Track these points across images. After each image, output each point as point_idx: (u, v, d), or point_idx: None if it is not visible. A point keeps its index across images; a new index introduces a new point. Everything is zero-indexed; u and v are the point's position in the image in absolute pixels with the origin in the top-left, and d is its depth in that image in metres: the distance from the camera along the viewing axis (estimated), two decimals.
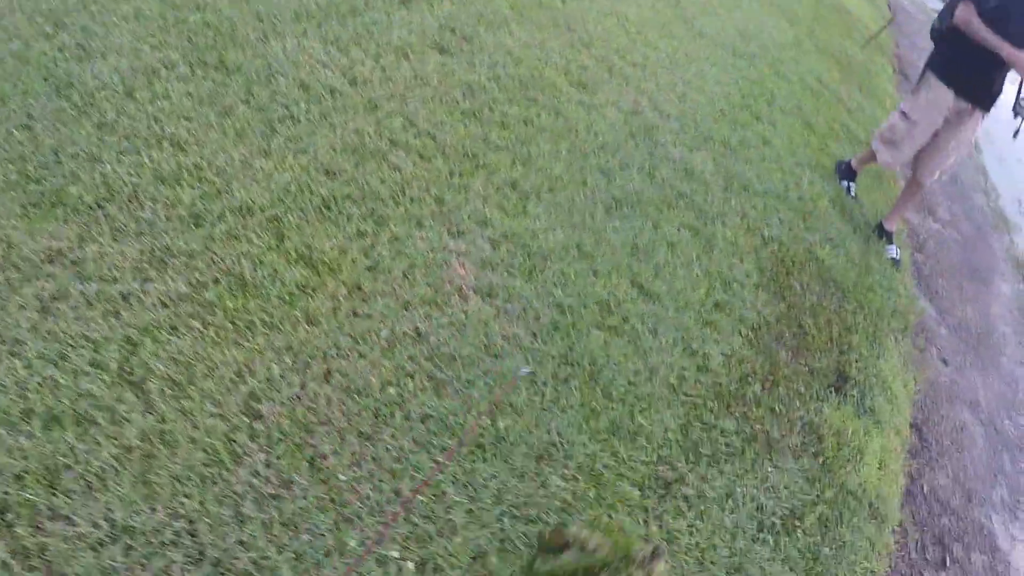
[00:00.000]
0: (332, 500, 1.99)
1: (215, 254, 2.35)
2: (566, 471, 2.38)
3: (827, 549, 2.59)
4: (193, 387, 1.99)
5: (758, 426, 2.73)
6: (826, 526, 2.65)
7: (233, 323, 2.20)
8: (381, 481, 2.12)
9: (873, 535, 2.77)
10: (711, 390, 2.76)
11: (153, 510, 1.68)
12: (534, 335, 2.70)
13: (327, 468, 2.01)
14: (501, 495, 2.28)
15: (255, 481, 1.86)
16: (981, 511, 3.31)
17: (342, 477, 2.04)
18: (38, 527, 1.62)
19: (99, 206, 2.35)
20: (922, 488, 3.20)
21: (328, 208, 2.70)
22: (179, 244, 2.31)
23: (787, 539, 2.53)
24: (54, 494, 1.68)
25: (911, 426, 3.40)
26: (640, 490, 2.40)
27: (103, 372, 1.92)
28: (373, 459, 2.14)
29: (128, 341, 2.01)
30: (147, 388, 1.93)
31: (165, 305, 2.14)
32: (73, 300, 2.08)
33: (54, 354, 1.94)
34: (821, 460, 2.81)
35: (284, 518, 1.85)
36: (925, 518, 3.11)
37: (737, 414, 2.73)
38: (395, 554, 1.99)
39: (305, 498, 1.93)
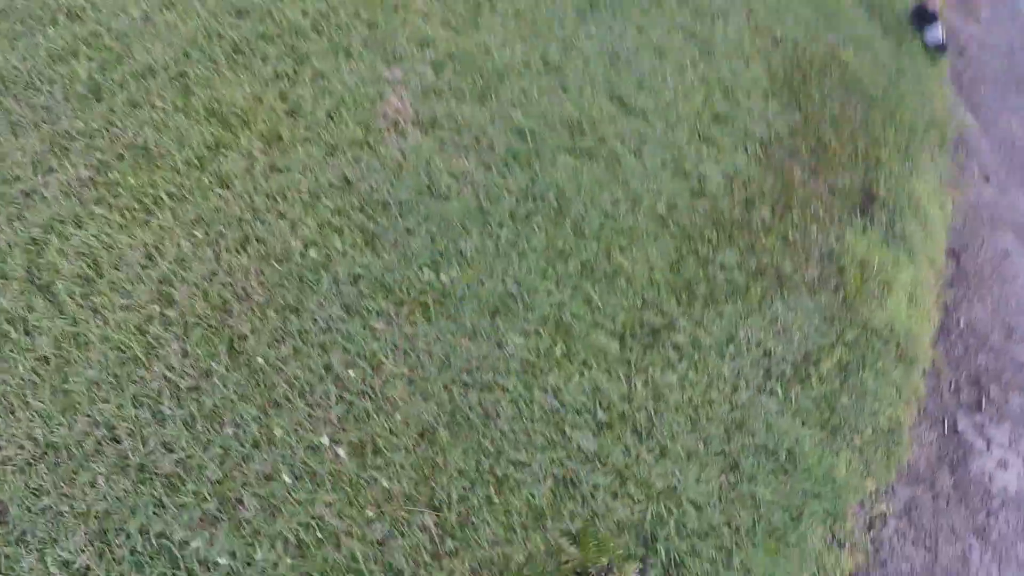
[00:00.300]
0: (257, 385, 1.71)
1: (116, 127, 2.00)
2: (527, 326, 1.94)
3: (846, 398, 2.19)
4: (102, 280, 1.74)
5: (766, 258, 2.23)
6: (846, 372, 2.23)
7: (139, 201, 1.88)
8: (309, 358, 1.79)
9: (900, 380, 2.36)
10: (708, 218, 2.23)
11: (74, 421, 1.56)
12: (487, 167, 2.18)
13: (248, 350, 1.74)
14: (448, 360, 1.88)
15: (171, 375, 1.66)
16: (1022, 348, 2.89)
17: (261, 360, 1.74)
18: None
19: None
20: (958, 323, 2.77)
21: (240, 53, 2.27)
22: (78, 125, 1.98)
23: (799, 388, 2.11)
24: None
25: (947, 254, 2.90)
26: (620, 341, 1.96)
27: (11, 281, 1.68)
28: (299, 334, 1.81)
29: (33, 243, 1.76)
30: (55, 290, 1.69)
31: (68, 195, 1.85)
32: None
33: None
34: (842, 295, 2.34)
35: (206, 412, 1.64)
36: (960, 356, 2.69)
37: (741, 245, 2.22)
38: (325, 440, 1.70)
39: (226, 387, 1.68)
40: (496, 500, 1.78)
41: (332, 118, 2.15)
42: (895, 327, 2.40)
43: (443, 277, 1.98)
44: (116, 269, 1.78)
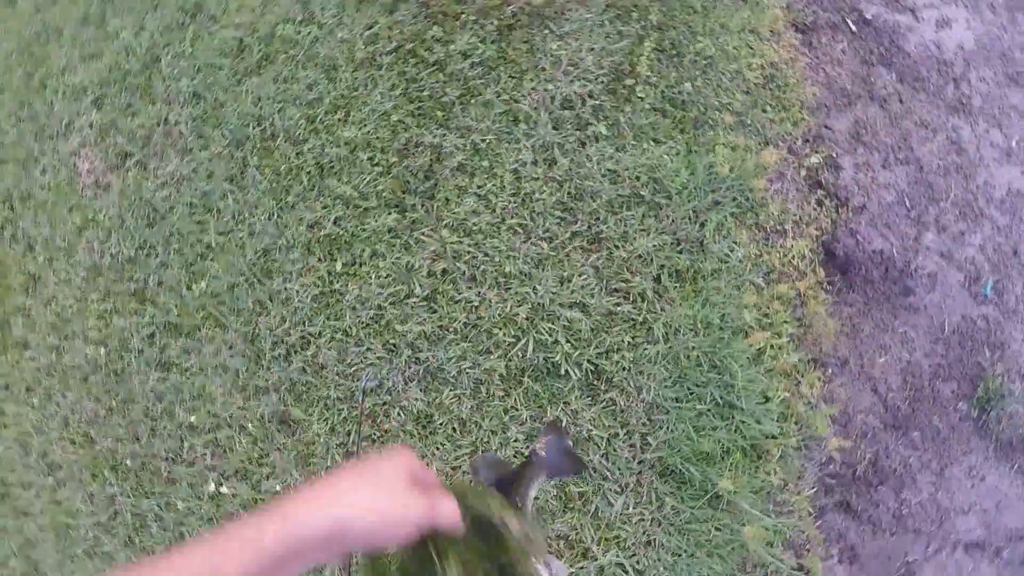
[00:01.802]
0: (147, 480, 1.84)
1: None
2: (298, 265, 1.74)
3: (689, 84, 1.80)
4: (5, 487, 2.08)
5: (509, 9, 1.85)
6: (675, 53, 1.85)
7: None
8: (164, 429, 1.83)
9: (750, 19, 1.94)
10: (421, 20, 1.88)
11: None
12: (187, 152, 2.05)
13: (123, 458, 1.89)
14: (257, 348, 1.75)
15: (94, 518, 1.87)
16: None
17: (129, 462, 1.88)
18: None
19: None
20: None
21: None
22: None
23: (628, 109, 1.77)
24: None
25: None
26: (397, 209, 1.69)
27: None
28: (145, 415, 1.87)
29: None
30: None
31: None
32: None
33: None
34: None
35: (131, 526, 1.83)
36: None
37: (472, 18, 1.86)
38: (212, 487, 1.74)
39: (129, 497, 1.84)
40: (376, 435, 1.59)
41: (56, 225, 2.19)
42: None
43: (205, 282, 1.82)
44: (12, 471, 2.07)
